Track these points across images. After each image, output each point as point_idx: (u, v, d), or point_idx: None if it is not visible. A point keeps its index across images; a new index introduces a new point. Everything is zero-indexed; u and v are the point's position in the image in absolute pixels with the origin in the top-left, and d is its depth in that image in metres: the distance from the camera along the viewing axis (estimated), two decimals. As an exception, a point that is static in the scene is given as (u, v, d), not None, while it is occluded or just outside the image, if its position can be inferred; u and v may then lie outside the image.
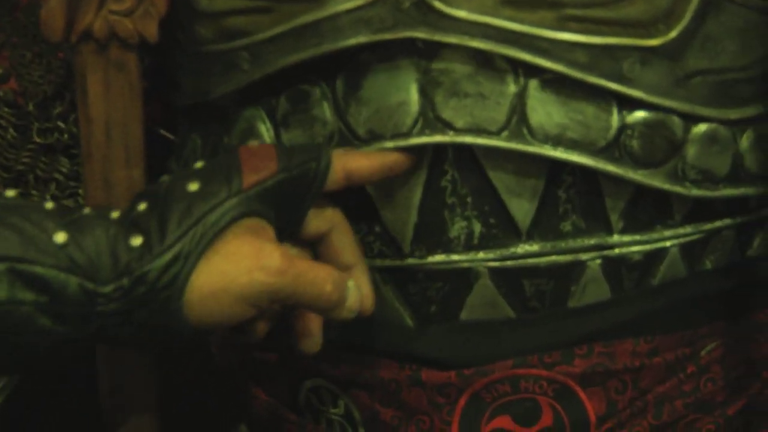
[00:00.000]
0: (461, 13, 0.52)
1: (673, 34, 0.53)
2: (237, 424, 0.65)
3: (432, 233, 0.55)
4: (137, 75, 0.55)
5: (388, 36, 0.52)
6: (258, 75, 0.55)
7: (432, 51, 0.53)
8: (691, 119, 0.55)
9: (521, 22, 0.52)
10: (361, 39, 0.53)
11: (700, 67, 0.54)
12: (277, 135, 0.56)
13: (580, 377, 0.56)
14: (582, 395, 0.56)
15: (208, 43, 0.57)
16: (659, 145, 0.54)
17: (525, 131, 0.53)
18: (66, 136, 0.66)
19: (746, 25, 0.55)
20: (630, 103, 0.53)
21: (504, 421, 0.56)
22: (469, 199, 0.55)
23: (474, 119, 0.53)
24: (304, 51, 0.54)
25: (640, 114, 0.54)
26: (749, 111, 0.57)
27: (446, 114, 0.53)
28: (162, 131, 0.61)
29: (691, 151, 0.55)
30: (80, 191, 0.65)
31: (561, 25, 0.52)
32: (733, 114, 0.56)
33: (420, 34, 0.52)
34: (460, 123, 0.53)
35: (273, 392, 0.62)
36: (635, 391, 0.57)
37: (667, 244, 0.57)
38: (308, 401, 0.60)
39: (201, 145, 0.60)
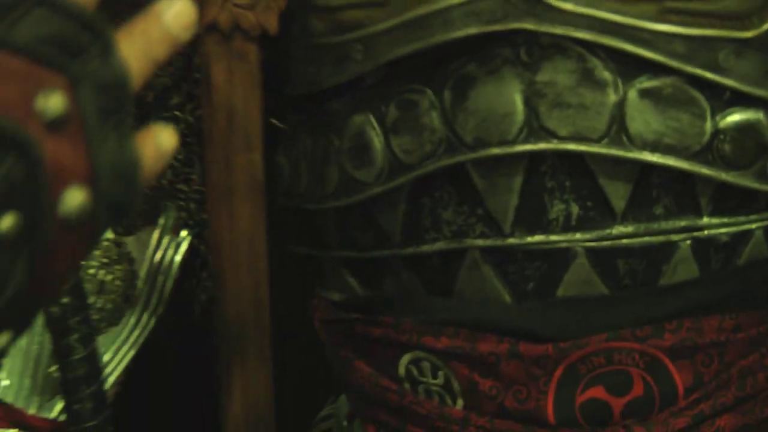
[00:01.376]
0: (568, 6, 0.55)
1: (766, 26, 0.56)
2: (337, 395, 0.69)
3: (532, 215, 0.59)
4: (257, 64, 0.59)
5: (497, 27, 0.56)
6: (370, 66, 0.59)
7: (535, 64, 0.56)
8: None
9: (624, 14, 0.56)
10: (471, 30, 0.56)
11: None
12: (387, 140, 0.60)
13: (670, 350, 0.59)
14: (671, 367, 0.60)
15: (323, 36, 0.60)
16: (749, 148, 0.59)
17: (624, 138, 0.57)
18: (182, 125, 0.70)
19: None
20: (723, 109, 0.57)
21: (598, 391, 0.60)
22: (567, 183, 0.59)
23: (576, 128, 0.57)
24: (416, 42, 0.58)
25: (731, 119, 0.58)
26: None
27: (550, 123, 0.57)
28: (272, 120, 0.65)
29: None
30: (193, 176, 0.69)
31: (661, 17, 0.56)
32: None
33: (528, 25, 0.56)
34: (563, 132, 0.57)
35: (374, 364, 0.65)
36: (721, 365, 0.61)
37: (753, 226, 0.61)
38: (409, 373, 0.64)
39: (312, 148, 0.64)
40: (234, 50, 0.58)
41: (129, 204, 0.34)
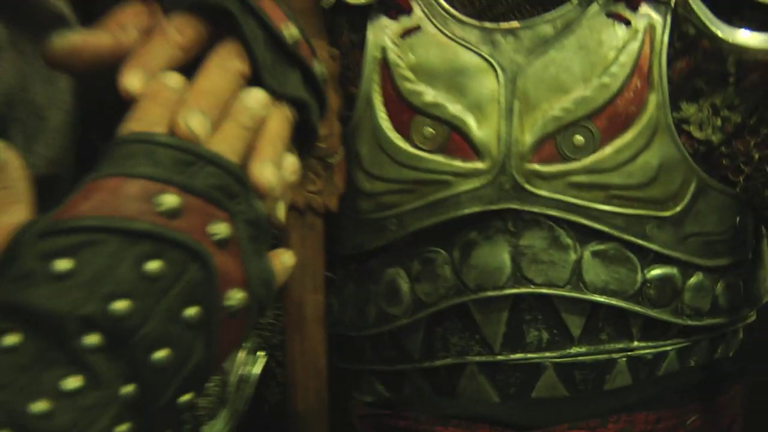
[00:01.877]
0: (542, 192, 0.81)
1: (678, 208, 0.82)
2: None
3: (514, 339, 0.84)
4: (322, 233, 0.83)
5: (493, 207, 0.81)
6: (402, 234, 0.84)
7: (519, 233, 0.82)
8: (686, 274, 0.84)
9: (581, 198, 0.81)
10: (475, 209, 0.82)
11: (694, 231, 0.84)
12: (412, 286, 0.85)
13: None
14: None
15: (367, 213, 0.85)
16: (667, 293, 0.84)
17: (581, 285, 0.82)
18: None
19: (722, 204, 0.85)
20: (648, 265, 0.83)
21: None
22: (540, 316, 0.84)
23: (548, 278, 0.82)
24: (435, 217, 0.83)
25: (655, 272, 0.83)
26: (723, 261, 0.86)
27: (529, 274, 0.82)
28: (327, 273, 0.88)
29: (686, 296, 0.85)
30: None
31: (607, 201, 0.81)
32: (714, 263, 0.85)
33: (514, 205, 0.81)
34: (538, 280, 0.82)
35: None
36: None
37: (668, 348, 0.86)
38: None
39: (354, 291, 0.88)
40: (306, 223, 0.82)
41: (268, 303, 0.46)
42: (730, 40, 0.78)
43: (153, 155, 0.43)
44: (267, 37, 0.48)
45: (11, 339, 0.42)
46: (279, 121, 0.48)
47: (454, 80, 0.82)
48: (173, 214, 0.42)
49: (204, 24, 0.47)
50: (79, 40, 0.46)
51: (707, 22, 0.78)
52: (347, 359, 0.91)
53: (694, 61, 0.81)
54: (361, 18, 0.85)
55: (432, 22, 0.83)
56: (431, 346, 0.86)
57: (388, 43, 0.83)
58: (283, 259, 0.48)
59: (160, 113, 0.44)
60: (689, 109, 0.81)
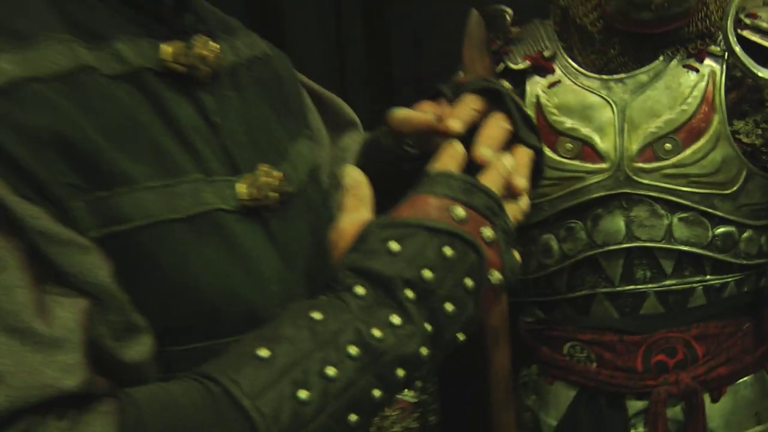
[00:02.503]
0: (645, 181, 1.26)
1: (735, 188, 1.27)
2: (529, 365, 1.40)
3: (628, 277, 1.30)
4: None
5: (612, 192, 1.27)
6: (552, 212, 1.31)
7: (630, 208, 1.27)
8: (741, 231, 1.28)
9: (670, 183, 1.25)
10: (600, 194, 1.28)
11: (745, 202, 1.28)
12: (560, 246, 1.32)
13: (694, 337, 1.29)
14: (694, 344, 1.29)
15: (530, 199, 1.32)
16: (728, 243, 1.29)
17: (672, 239, 1.27)
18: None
19: (764, 185, 1.29)
20: (716, 225, 1.27)
21: (661, 356, 1.30)
22: (644, 261, 1.29)
23: (650, 235, 1.27)
24: (574, 200, 1.29)
25: (720, 230, 1.28)
26: (765, 222, 1.31)
27: (637, 234, 1.28)
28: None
29: (741, 245, 1.29)
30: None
31: (688, 185, 1.26)
32: (759, 223, 1.30)
33: (627, 190, 1.27)
34: (644, 237, 1.28)
35: (551, 348, 1.37)
36: (717, 344, 1.30)
37: (729, 280, 1.30)
38: (569, 351, 1.35)
39: (521, 251, 1.34)
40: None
41: (512, 285, 0.72)
42: (765, 77, 1.22)
43: (449, 183, 0.71)
44: (518, 109, 0.81)
45: (360, 289, 0.67)
46: (526, 157, 0.80)
47: (584, 113, 1.29)
48: (461, 220, 0.68)
49: (483, 100, 0.82)
50: (408, 113, 0.85)
51: (750, 66, 1.21)
52: (516, 295, 1.39)
53: (741, 93, 1.25)
54: (521, 77, 1.33)
55: (568, 77, 1.30)
56: (572, 283, 1.34)
57: (540, 92, 1.31)
58: (518, 257, 0.74)
59: (451, 162, 0.75)
60: (739, 124, 1.26)
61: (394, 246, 0.69)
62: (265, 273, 0.81)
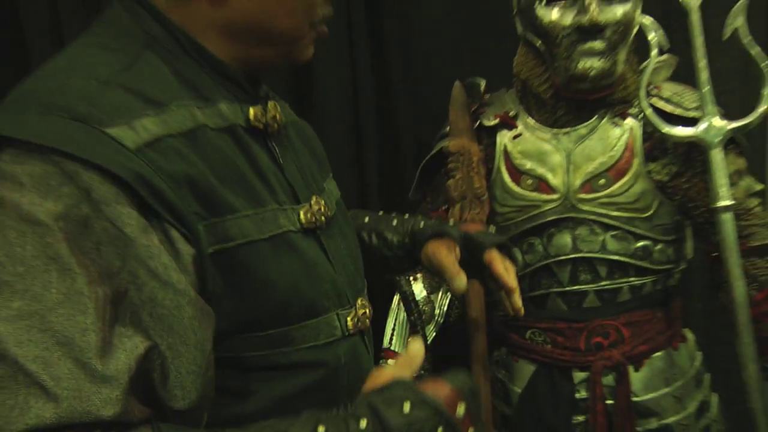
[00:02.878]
0: (585, 208, 1.68)
1: (650, 212, 1.68)
2: (500, 347, 1.82)
3: (574, 279, 1.74)
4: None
5: (562, 216, 1.69)
6: (516, 232, 1.74)
7: (575, 227, 1.69)
8: (655, 244, 1.70)
9: (604, 209, 1.67)
10: (553, 218, 1.69)
11: (657, 223, 1.70)
12: (523, 257, 1.75)
13: (623, 324, 1.72)
14: (623, 329, 1.72)
15: (498, 223, 1.76)
16: (646, 253, 1.69)
17: (606, 251, 1.68)
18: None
19: (671, 210, 1.70)
20: (637, 240, 1.69)
21: (599, 338, 1.72)
22: (586, 268, 1.73)
23: (590, 248, 1.69)
24: (533, 223, 1.71)
25: (639, 243, 1.69)
26: (671, 237, 1.72)
27: (580, 247, 1.69)
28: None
29: (655, 255, 1.70)
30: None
31: (617, 210, 1.66)
32: (667, 238, 1.73)
33: (572, 215, 1.69)
34: (585, 249, 1.70)
35: (517, 334, 1.79)
36: (638, 327, 1.73)
37: (646, 280, 1.73)
38: (530, 336, 1.77)
39: None
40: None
41: None
42: (668, 132, 1.65)
43: (465, 381, 0.93)
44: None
45: (363, 423, 0.85)
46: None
47: (540, 157, 1.72)
48: (459, 417, 0.89)
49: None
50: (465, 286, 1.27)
51: (657, 124, 1.66)
52: (491, 295, 1.80)
53: (653, 143, 1.69)
54: (492, 130, 1.76)
55: (528, 131, 1.73)
56: (533, 285, 1.75)
57: (506, 142, 1.74)
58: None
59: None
60: (652, 165, 1.69)
61: (407, 407, 0.88)
62: (321, 275, 1.03)
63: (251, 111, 1.01)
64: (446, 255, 1.32)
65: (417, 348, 1.01)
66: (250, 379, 0.98)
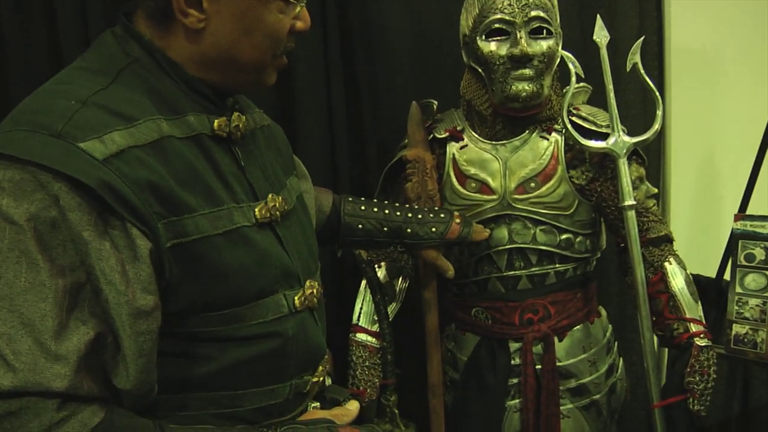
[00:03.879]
0: (519, 206, 2.00)
1: (571, 210, 2.02)
2: (450, 323, 2.16)
3: (509, 266, 2.08)
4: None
5: (500, 213, 2.02)
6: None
7: (511, 222, 2.02)
8: (575, 236, 2.04)
9: (535, 207, 2.00)
10: (492, 214, 2.02)
11: (577, 219, 2.04)
12: (468, 248, 2.10)
13: (550, 303, 2.06)
14: (550, 306, 2.05)
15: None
16: (568, 244, 2.03)
17: (536, 242, 2.02)
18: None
19: (588, 209, 2.06)
20: (561, 233, 2.03)
21: (530, 315, 2.05)
22: (519, 256, 2.07)
23: (522, 240, 2.02)
24: (476, 219, 2.08)
25: (563, 236, 2.02)
26: (588, 231, 2.07)
27: (515, 238, 2.03)
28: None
29: (576, 245, 2.04)
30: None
31: (544, 208, 1.99)
32: (585, 232, 2.08)
33: (508, 212, 2.01)
34: (519, 241, 2.03)
35: (463, 312, 2.12)
36: (562, 306, 2.07)
37: (569, 267, 2.08)
38: (475, 314, 2.10)
39: (444, 252, 2.13)
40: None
41: None
42: (585, 144, 2.00)
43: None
44: None
45: None
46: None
47: (482, 164, 2.05)
48: None
49: None
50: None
51: (577, 137, 2.01)
52: (441, 279, 2.14)
53: (574, 153, 2.05)
54: (443, 142, 2.10)
55: (471, 142, 2.07)
56: (476, 270, 2.08)
57: (455, 151, 2.08)
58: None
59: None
60: (573, 172, 2.05)
61: None
62: (272, 262, 1.15)
63: (216, 122, 1.13)
64: (438, 257, 1.86)
65: (354, 407, 1.28)
66: (208, 348, 1.09)
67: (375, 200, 1.84)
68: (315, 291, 1.26)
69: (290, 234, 1.24)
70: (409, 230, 1.78)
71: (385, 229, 1.77)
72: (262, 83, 1.22)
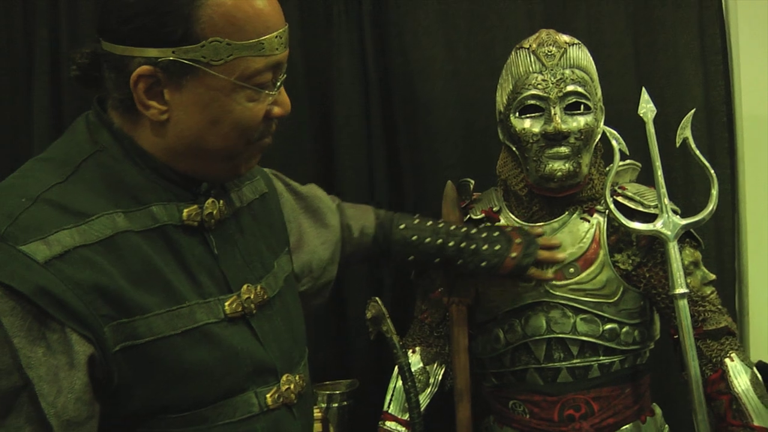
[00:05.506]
0: (558, 293, 1.88)
1: (616, 298, 1.88)
2: (489, 415, 2.03)
3: (549, 357, 1.94)
4: (466, 313, 1.96)
5: (536, 300, 1.91)
6: (498, 314, 1.97)
7: (549, 311, 1.90)
8: (621, 326, 1.89)
9: (574, 294, 1.88)
10: (529, 302, 1.91)
11: (623, 308, 1.89)
12: (505, 336, 1.96)
13: (592, 398, 1.90)
14: (592, 403, 1.90)
15: (482, 308, 2.00)
16: (613, 335, 1.87)
17: (576, 332, 1.87)
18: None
19: (635, 296, 1.90)
20: (605, 323, 1.88)
21: (570, 411, 1.90)
22: (559, 347, 1.93)
23: (561, 329, 1.88)
24: (512, 306, 1.95)
25: (607, 326, 1.87)
26: (637, 320, 1.91)
27: (554, 328, 1.88)
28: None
29: (622, 336, 1.88)
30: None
31: (584, 296, 1.88)
32: (633, 321, 1.91)
33: (547, 299, 1.90)
34: (558, 330, 1.89)
35: (500, 404, 1.99)
36: (607, 402, 1.90)
37: (615, 360, 1.90)
38: (512, 407, 1.97)
39: (481, 340, 2.02)
40: (461, 312, 1.96)
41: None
42: (629, 226, 1.86)
43: None
44: None
45: None
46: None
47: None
48: None
49: None
50: None
51: (621, 220, 1.87)
52: (480, 367, 2.02)
53: (618, 236, 1.91)
54: (479, 224, 2.00)
55: (509, 224, 1.97)
56: (513, 360, 1.95)
57: (489, 233, 2.00)
58: None
59: None
60: (617, 256, 1.91)
61: None
62: (243, 359, 1.10)
63: (185, 211, 1.10)
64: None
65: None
66: None
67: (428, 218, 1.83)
68: (293, 386, 1.22)
69: (269, 325, 1.20)
70: (460, 261, 1.76)
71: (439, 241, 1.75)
72: (237, 171, 1.19)
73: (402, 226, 1.76)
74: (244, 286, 1.16)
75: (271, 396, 1.16)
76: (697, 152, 1.85)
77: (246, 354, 1.13)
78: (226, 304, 1.11)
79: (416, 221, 1.78)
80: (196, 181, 1.15)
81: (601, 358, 1.91)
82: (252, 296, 1.16)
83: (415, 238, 1.74)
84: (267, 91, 1.11)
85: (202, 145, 1.10)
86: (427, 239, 1.74)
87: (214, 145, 1.10)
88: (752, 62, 2.31)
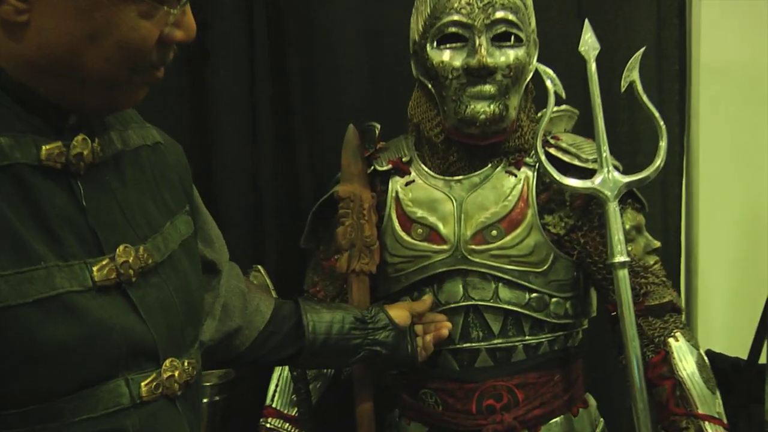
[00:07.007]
0: (476, 259, 1.60)
1: (545, 267, 1.61)
2: (394, 409, 1.72)
3: (465, 336, 1.64)
4: (368, 284, 1.64)
5: (452, 268, 1.61)
6: (407, 284, 1.65)
7: (466, 276, 1.62)
8: (550, 297, 1.63)
9: (496, 261, 1.60)
10: (443, 269, 1.62)
11: (553, 279, 1.62)
12: None
13: (516, 385, 1.62)
14: (516, 391, 1.62)
15: (390, 274, 1.67)
16: (540, 305, 1.61)
17: (498, 300, 1.60)
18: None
19: (567, 266, 1.62)
20: (531, 292, 1.61)
21: (490, 401, 1.62)
22: (477, 322, 1.63)
23: (481, 297, 1.60)
24: (423, 274, 1.63)
25: (534, 295, 1.62)
26: (568, 293, 1.64)
27: (472, 294, 1.60)
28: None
29: (551, 307, 1.62)
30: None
31: (509, 263, 1.59)
32: (564, 294, 1.64)
33: (463, 266, 1.61)
34: (476, 297, 1.60)
35: (409, 395, 1.69)
36: (533, 390, 1.63)
37: (543, 339, 1.64)
38: (421, 397, 1.67)
39: None
40: (360, 279, 1.63)
41: None
42: (563, 182, 1.58)
43: None
44: None
45: None
46: None
47: (431, 205, 1.64)
48: None
49: None
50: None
51: (554, 175, 1.59)
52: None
53: (550, 194, 1.62)
54: (386, 176, 1.69)
55: (420, 178, 1.67)
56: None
57: (399, 188, 1.67)
58: None
59: None
60: (548, 218, 1.62)
61: None
62: (112, 338, 0.93)
63: (44, 148, 0.92)
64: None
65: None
66: None
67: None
68: (178, 374, 1.03)
69: (155, 296, 1.02)
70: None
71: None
72: (118, 104, 1.00)
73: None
74: (121, 247, 0.97)
75: (146, 385, 0.98)
76: (645, 98, 1.57)
77: (120, 332, 0.94)
78: (95, 268, 0.93)
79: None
80: (63, 111, 0.95)
81: (527, 337, 1.64)
82: (131, 260, 0.98)
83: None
84: (167, 8, 0.94)
85: (73, 62, 0.91)
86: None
87: (90, 66, 0.92)
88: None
